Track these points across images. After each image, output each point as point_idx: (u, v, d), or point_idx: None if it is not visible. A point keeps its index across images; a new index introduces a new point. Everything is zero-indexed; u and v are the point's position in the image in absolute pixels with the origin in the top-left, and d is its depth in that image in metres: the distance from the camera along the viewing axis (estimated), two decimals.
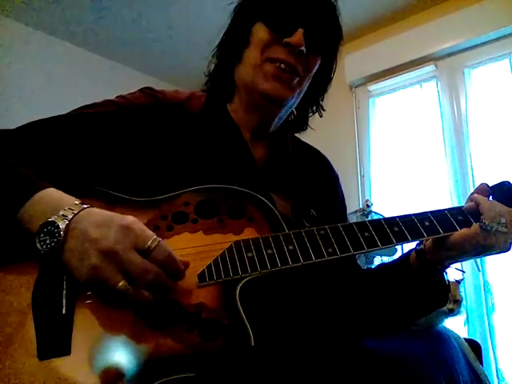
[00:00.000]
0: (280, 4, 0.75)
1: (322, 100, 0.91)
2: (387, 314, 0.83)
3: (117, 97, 0.77)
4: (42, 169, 0.63)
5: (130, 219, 0.55)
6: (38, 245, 0.53)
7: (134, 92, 0.79)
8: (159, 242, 0.54)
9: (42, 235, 0.53)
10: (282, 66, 0.74)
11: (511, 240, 0.69)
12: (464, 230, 0.69)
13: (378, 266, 0.94)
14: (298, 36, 0.73)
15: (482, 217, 0.69)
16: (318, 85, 0.86)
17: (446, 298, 0.78)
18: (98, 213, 0.56)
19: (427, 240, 0.74)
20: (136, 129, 0.73)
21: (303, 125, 0.92)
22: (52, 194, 0.58)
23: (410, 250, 0.81)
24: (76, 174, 0.68)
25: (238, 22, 0.81)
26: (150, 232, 0.55)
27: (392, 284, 0.81)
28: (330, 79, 0.89)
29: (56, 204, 0.56)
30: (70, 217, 0.54)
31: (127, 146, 0.72)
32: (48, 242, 0.53)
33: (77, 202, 0.57)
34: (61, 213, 0.55)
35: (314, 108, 0.91)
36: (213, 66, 0.86)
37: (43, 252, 0.53)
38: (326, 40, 0.78)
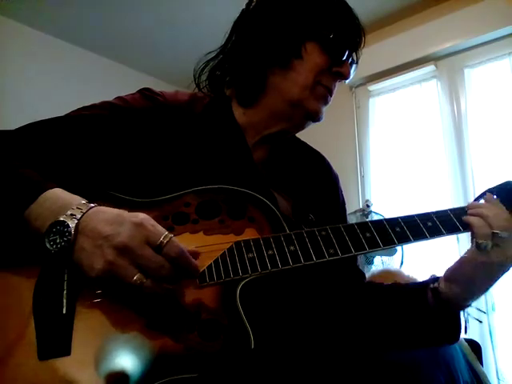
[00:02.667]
0: (341, 36, 0.78)
1: None
2: (391, 335, 0.80)
3: (115, 98, 0.77)
4: (41, 170, 0.63)
5: (141, 216, 0.55)
6: (48, 245, 0.53)
7: (133, 93, 0.79)
8: (171, 238, 0.54)
9: (51, 235, 0.53)
10: (329, 91, 0.80)
11: None
12: (461, 257, 0.69)
13: (392, 285, 0.88)
14: (347, 68, 0.79)
15: (473, 238, 0.67)
16: None
17: (457, 337, 0.76)
18: (106, 211, 0.56)
19: (439, 282, 0.73)
20: (134, 131, 0.73)
21: None
22: (59, 193, 0.58)
23: (425, 283, 0.77)
24: (76, 175, 0.68)
25: (288, 30, 0.78)
26: (161, 228, 0.55)
27: (404, 311, 0.78)
28: None
29: (63, 203, 0.56)
30: (79, 216, 0.54)
31: (126, 148, 0.71)
32: (58, 241, 0.53)
33: (84, 202, 0.57)
34: (69, 212, 0.54)
35: None
36: (236, 63, 0.82)
37: (53, 252, 0.52)
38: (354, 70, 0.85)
